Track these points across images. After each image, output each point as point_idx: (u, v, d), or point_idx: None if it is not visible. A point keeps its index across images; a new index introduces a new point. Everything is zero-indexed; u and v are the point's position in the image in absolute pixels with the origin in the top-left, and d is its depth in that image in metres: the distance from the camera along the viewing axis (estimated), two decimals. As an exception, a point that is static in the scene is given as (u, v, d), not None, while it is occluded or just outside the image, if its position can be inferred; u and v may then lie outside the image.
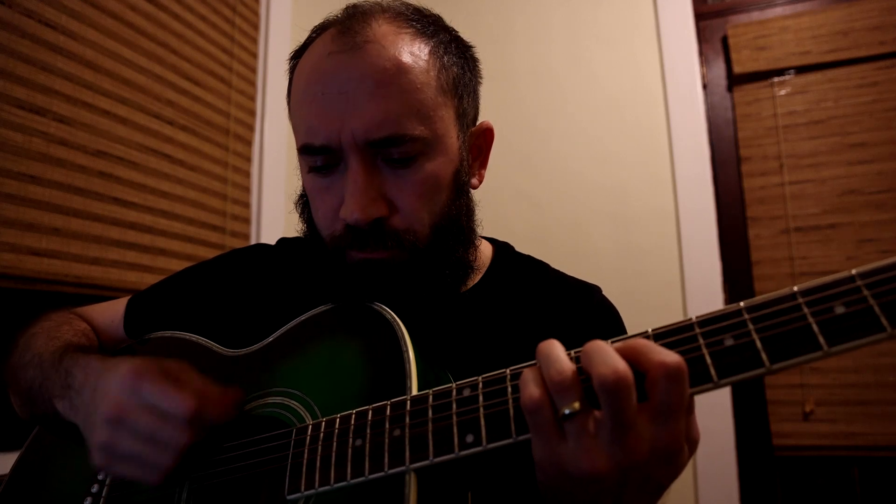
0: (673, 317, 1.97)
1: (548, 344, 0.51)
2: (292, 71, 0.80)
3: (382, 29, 0.72)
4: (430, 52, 0.74)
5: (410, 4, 0.78)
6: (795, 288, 0.47)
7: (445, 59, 0.75)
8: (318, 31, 0.78)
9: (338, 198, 0.72)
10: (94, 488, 0.73)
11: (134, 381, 0.65)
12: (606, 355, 0.47)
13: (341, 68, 0.70)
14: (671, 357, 0.46)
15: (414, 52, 0.72)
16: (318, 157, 0.72)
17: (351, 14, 0.74)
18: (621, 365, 0.46)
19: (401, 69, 0.70)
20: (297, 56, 0.80)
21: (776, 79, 2.14)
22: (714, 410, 1.90)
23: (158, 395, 0.64)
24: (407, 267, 0.73)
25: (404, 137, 0.69)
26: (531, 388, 0.49)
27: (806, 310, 0.46)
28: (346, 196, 0.70)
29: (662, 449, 0.47)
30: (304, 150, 0.73)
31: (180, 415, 0.62)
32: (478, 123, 0.84)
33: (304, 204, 0.82)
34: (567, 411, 0.47)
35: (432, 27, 0.77)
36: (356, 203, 0.69)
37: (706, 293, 1.99)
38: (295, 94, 0.77)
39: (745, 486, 1.93)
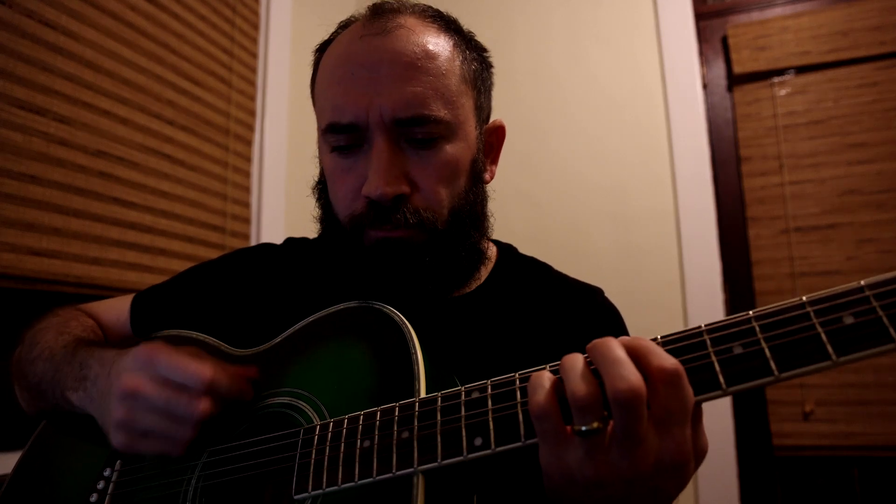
0: (673, 317, 1.98)
1: (573, 357, 0.51)
2: (317, 63, 0.83)
3: (411, 20, 0.76)
4: (454, 44, 0.78)
5: (430, 6, 0.82)
6: (804, 298, 0.47)
7: (467, 52, 0.80)
8: (344, 25, 0.82)
9: (360, 177, 0.74)
10: (100, 485, 0.73)
11: (148, 357, 0.66)
12: (623, 367, 0.47)
13: (372, 50, 0.73)
14: (668, 361, 0.47)
15: (440, 42, 0.76)
16: (342, 135, 0.74)
17: (378, 8, 0.78)
18: (636, 379, 0.46)
19: (428, 54, 0.74)
20: (321, 49, 0.83)
21: (776, 79, 2.15)
22: (714, 410, 1.90)
23: (173, 368, 0.65)
24: (425, 248, 0.74)
25: (429, 118, 0.72)
26: (539, 396, 0.49)
27: (815, 319, 0.46)
28: (369, 173, 0.72)
29: (669, 461, 0.47)
30: (330, 129, 0.75)
31: (196, 385, 0.64)
32: (491, 121, 0.88)
33: (322, 189, 0.84)
34: (584, 428, 0.47)
35: (454, 26, 0.82)
36: (381, 178, 0.71)
37: (706, 293, 1.99)
38: (321, 78, 0.79)
39: (745, 486, 1.93)
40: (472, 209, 0.79)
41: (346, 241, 0.77)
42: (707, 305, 1.96)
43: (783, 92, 2.13)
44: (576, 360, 0.50)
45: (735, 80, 2.20)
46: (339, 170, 0.76)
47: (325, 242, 0.82)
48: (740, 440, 1.94)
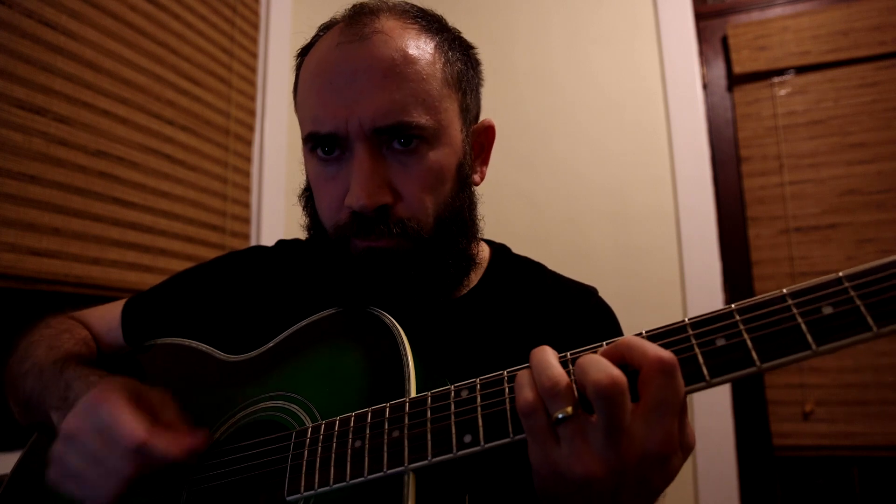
0: (673, 317, 1.97)
1: (539, 350, 0.52)
2: (299, 67, 0.82)
3: (389, 23, 0.74)
4: (435, 46, 0.75)
5: (414, 4, 0.80)
6: (785, 290, 0.49)
7: (450, 54, 0.77)
8: (325, 28, 0.80)
9: (342, 186, 0.73)
10: None
11: (95, 402, 0.65)
12: (600, 363, 0.48)
13: (349, 58, 0.71)
14: (665, 352, 0.47)
15: (420, 45, 0.74)
16: (323, 145, 0.73)
17: (358, 10, 0.76)
18: (615, 370, 0.47)
19: (407, 59, 0.71)
20: (303, 53, 0.82)
21: (776, 79, 2.14)
22: (714, 410, 1.90)
23: (110, 420, 0.63)
24: (411, 256, 0.73)
25: (410, 125, 0.70)
26: (525, 392, 0.50)
27: (795, 310, 0.47)
28: (351, 183, 0.71)
29: (655, 451, 0.47)
30: (310, 139, 0.74)
31: (125, 445, 0.61)
32: (480, 121, 0.86)
33: (308, 197, 0.82)
34: (560, 416, 0.48)
35: (436, 25, 0.79)
36: (362, 189, 0.69)
37: (706, 293, 1.98)
38: (302, 87, 0.78)
39: (745, 486, 1.93)
40: (458, 215, 0.78)
41: (334, 250, 0.76)
42: (707, 305, 1.95)
43: (783, 92, 2.13)
44: (542, 353, 0.51)
45: (735, 80, 2.19)
46: (321, 178, 0.76)
47: (314, 250, 0.81)
48: (740, 440, 1.94)
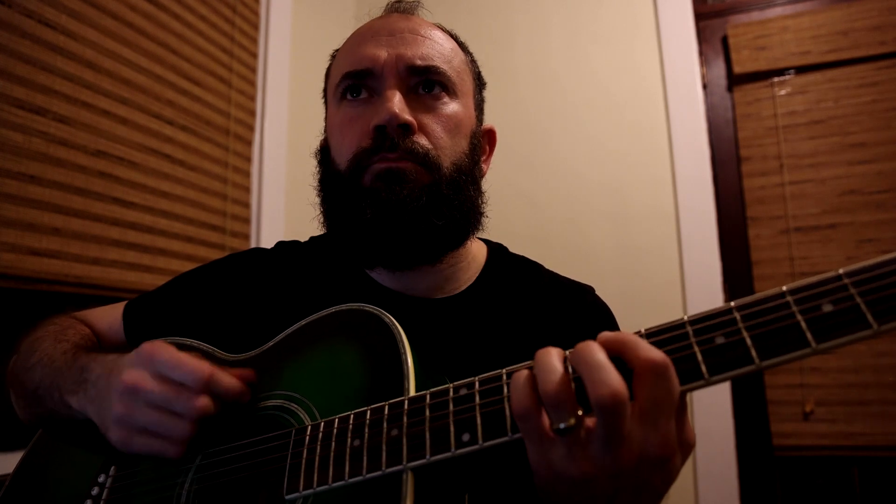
0: (673, 317, 1.98)
1: (545, 353, 0.50)
2: (333, 59, 0.90)
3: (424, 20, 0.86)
4: (457, 45, 0.87)
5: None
6: (784, 287, 0.48)
7: (469, 57, 0.89)
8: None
9: (369, 119, 0.77)
10: (95, 490, 0.73)
11: (149, 354, 0.67)
12: (603, 371, 0.46)
13: (392, 21, 0.82)
14: (657, 353, 0.47)
15: (448, 38, 0.86)
16: (353, 88, 0.80)
17: (392, 6, 0.89)
18: (618, 383, 0.45)
19: (439, 36, 0.84)
20: (337, 51, 0.90)
21: (776, 79, 2.14)
22: (714, 410, 1.90)
23: (173, 365, 0.65)
24: (424, 189, 0.75)
25: (438, 71, 0.79)
26: (520, 396, 0.49)
27: (794, 308, 0.47)
28: (381, 105, 0.76)
29: (653, 453, 0.47)
30: (345, 79, 0.80)
31: (194, 382, 0.64)
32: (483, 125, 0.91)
33: (324, 153, 0.87)
34: (562, 426, 0.47)
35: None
36: (393, 104, 0.74)
37: (706, 293, 1.99)
38: (339, 55, 0.86)
39: (745, 486, 1.93)
40: (470, 172, 0.81)
41: (345, 188, 0.78)
42: (707, 305, 1.94)
43: (783, 92, 2.13)
44: (547, 357, 0.50)
45: (735, 80, 2.19)
46: (347, 119, 0.80)
47: (327, 188, 0.84)
48: (740, 440, 1.94)
